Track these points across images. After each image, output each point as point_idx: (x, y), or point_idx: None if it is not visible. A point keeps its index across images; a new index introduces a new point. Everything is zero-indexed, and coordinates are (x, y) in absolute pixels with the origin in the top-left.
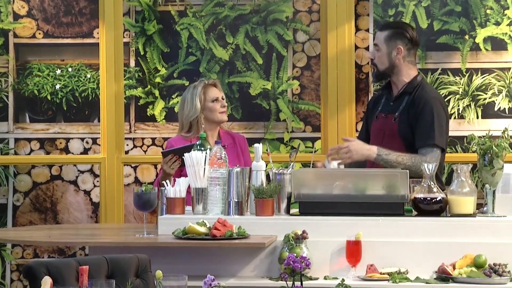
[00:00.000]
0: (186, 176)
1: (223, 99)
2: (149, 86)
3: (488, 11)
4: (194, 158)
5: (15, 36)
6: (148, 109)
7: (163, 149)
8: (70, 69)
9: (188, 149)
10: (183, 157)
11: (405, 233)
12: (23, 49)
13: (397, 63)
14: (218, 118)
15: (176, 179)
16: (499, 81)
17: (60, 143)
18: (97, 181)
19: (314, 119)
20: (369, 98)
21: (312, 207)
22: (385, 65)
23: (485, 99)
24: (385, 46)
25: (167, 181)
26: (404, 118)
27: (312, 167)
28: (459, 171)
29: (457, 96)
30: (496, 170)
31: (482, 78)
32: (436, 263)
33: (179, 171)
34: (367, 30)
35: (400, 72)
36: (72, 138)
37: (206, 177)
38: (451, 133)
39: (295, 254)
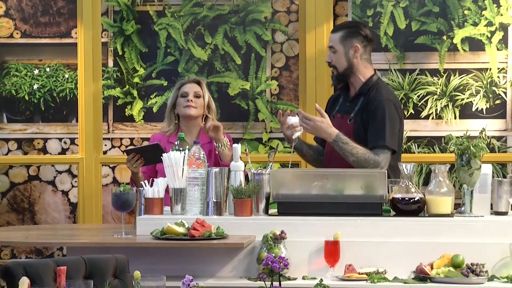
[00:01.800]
0: (159, 172)
1: (197, 96)
2: (127, 86)
3: (465, 12)
4: (172, 158)
5: None
6: (126, 109)
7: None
8: (48, 69)
9: (151, 148)
10: (159, 155)
11: (383, 233)
12: (0, 49)
13: (355, 62)
14: (181, 111)
15: (155, 179)
16: (477, 82)
17: (38, 143)
18: (75, 181)
19: None
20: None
21: (291, 207)
22: (344, 65)
23: (462, 99)
24: (341, 46)
25: (145, 181)
26: (358, 119)
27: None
28: (437, 171)
29: (435, 97)
30: (473, 170)
31: (460, 78)
32: (414, 263)
33: (153, 168)
34: None
35: (358, 71)
36: (50, 138)
37: (185, 177)
38: (429, 134)
39: (273, 254)
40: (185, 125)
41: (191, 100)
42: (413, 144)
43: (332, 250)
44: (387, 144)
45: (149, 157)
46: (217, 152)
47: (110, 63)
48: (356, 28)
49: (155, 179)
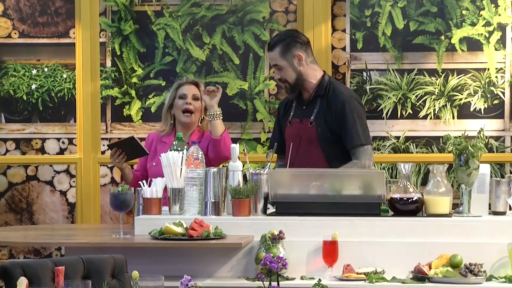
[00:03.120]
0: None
1: (195, 99)
2: (125, 86)
3: (464, 12)
4: (170, 158)
5: None
6: (124, 109)
7: None
8: (46, 69)
9: (127, 142)
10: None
11: (381, 233)
12: None
13: (303, 70)
14: (179, 117)
15: (153, 179)
16: (475, 82)
17: (36, 143)
18: (73, 181)
19: None
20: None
21: (289, 207)
22: (294, 77)
23: (461, 99)
24: (284, 60)
25: (144, 181)
26: (321, 121)
27: None
28: (435, 171)
29: (433, 97)
30: (471, 170)
31: (458, 78)
32: (412, 263)
33: (145, 166)
34: (344, 31)
35: (308, 76)
36: (48, 138)
37: (183, 177)
38: (427, 134)
39: (271, 254)
40: (181, 126)
41: (190, 103)
42: (411, 144)
43: (330, 250)
44: (363, 142)
45: (129, 152)
46: (209, 121)
47: (108, 63)
48: (290, 38)
49: (153, 179)
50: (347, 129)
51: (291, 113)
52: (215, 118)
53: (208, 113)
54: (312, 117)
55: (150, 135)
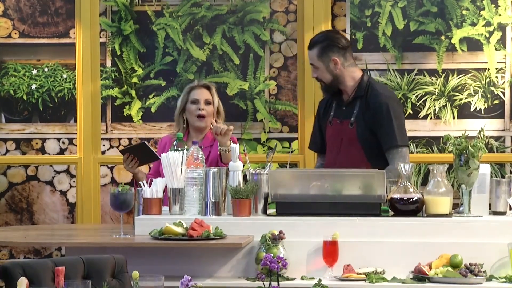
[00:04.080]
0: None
1: (208, 103)
2: (125, 86)
3: (464, 12)
4: (171, 158)
5: None
6: (124, 109)
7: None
8: (46, 69)
9: (139, 148)
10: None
11: (381, 233)
12: None
13: (339, 73)
14: (192, 121)
15: (153, 179)
16: (475, 82)
17: (36, 143)
18: (74, 181)
19: (291, 119)
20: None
21: (289, 207)
22: (329, 78)
23: (461, 99)
24: (321, 62)
25: (144, 181)
26: (361, 122)
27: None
28: (435, 171)
29: (433, 97)
30: (472, 170)
31: (458, 78)
32: (413, 263)
33: (157, 170)
34: (344, 31)
35: (345, 79)
36: (48, 139)
37: (183, 178)
38: (427, 134)
39: (272, 254)
40: (193, 130)
41: (203, 109)
42: (411, 144)
43: (330, 250)
44: (399, 143)
45: (141, 157)
46: (219, 153)
47: (108, 63)
48: (329, 41)
49: (153, 179)
50: (384, 129)
51: (331, 113)
52: (227, 152)
53: (220, 148)
54: (352, 118)
55: (163, 138)
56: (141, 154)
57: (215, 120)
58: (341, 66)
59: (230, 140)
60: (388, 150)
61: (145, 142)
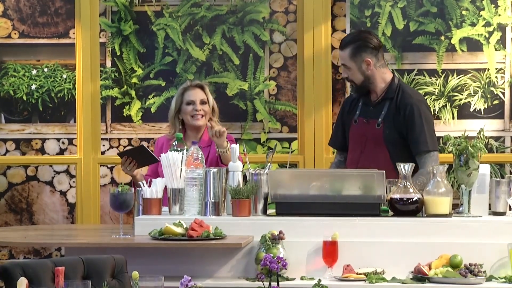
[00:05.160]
0: (160, 175)
1: (203, 103)
2: (125, 87)
3: (463, 12)
4: (170, 159)
5: None
6: (124, 110)
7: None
8: (46, 70)
9: (137, 151)
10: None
11: (381, 234)
12: None
13: (371, 74)
14: (189, 121)
15: (153, 179)
16: (475, 82)
17: (36, 143)
18: (73, 181)
19: (290, 119)
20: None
21: (289, 207)
22: (361, 79)
23: (460, 99)
24: (353, 63)
25: (143, 181)
26: (389, 124)
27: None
28: (435, 172)
29: (433, 97)
30: (471, 171)
31: (458, 78)
32: (412, 263)
33: (156, 171)
34: (344, 31)
35: (376, 80)
36: (48, 139)
37: (183, 178)
38: None
39: (271, 255)
40: (190, 130)
41: (200, 109)
42: None
43: (330, 250)
44: (430, 148)
45: (139, 159)
46: (217, 155)
47: (108, 63)
48: (363, 41)
49: (153, 179)
50: (415, 134)
51: (357, 112)
52: (225, 152)
53: (218, 149)
54: (380, 119)
55: (159, 139)
56: (140, 156)
57: (210, 119)
58: (373, 66)
59: (227, 141)
60: (419, 154)
61: (143, 144)
